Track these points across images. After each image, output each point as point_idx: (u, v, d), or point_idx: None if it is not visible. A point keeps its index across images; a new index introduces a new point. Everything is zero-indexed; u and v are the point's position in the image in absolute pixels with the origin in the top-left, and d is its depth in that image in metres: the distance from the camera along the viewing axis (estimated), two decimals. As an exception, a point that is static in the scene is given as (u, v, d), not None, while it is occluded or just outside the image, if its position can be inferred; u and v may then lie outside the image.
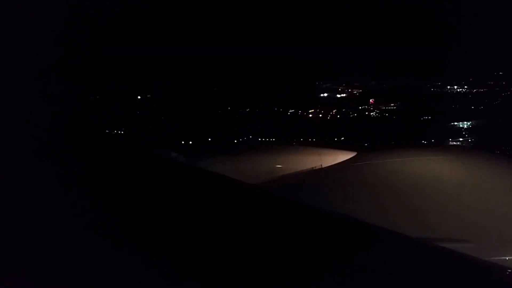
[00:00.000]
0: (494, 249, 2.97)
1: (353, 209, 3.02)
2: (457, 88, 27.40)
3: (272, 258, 1.37)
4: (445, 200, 3.56)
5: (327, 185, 4.03)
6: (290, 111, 22.47)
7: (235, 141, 13.92)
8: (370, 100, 25.85)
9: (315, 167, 4.37)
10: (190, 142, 12.68)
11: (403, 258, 1.46)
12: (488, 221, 3.29)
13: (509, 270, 1.74)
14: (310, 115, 22.62)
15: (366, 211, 3.11)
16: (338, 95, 26.90)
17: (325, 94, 26.97)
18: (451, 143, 18.70)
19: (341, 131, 19.82)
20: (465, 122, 21.21)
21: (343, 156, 4.65)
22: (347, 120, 22.14)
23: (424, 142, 17.44)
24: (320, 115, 22.83)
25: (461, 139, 19.32)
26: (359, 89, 27.62)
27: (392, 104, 25.11)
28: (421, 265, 1.42)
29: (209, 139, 14.27)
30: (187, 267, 1.33)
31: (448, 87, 27.46)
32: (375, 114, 23.39)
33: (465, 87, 27.37)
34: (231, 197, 1.95)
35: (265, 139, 15.26)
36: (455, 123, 21.33)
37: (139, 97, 20.68)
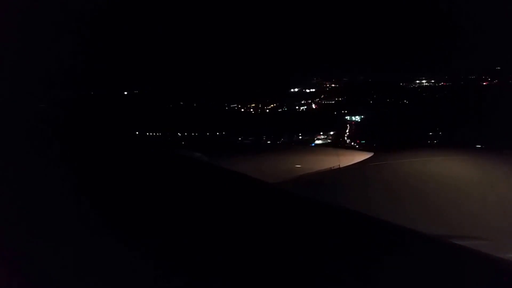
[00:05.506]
0: (508, 246, 3.04)
1: (371, 207, 3.19)
2: (425, 82, 27.27)
3: (291, 255, 1.42)
4: (461, 199, 3.67)
5: (345, 184, 4.15)
6: (231, 106, 25.61)
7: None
8: (322, 95, 28.08)
9: (333, 167, 4.48)
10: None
11: (419, 254, 1.50)
12: (502, 219, 3.38)
13: None
14: (242, 110, 26.12)
15: (384, 209, 3.28)
16: (308, 90, 29.31)
17: (296, 89, 29.66)
18: (319, 136, 21.00)
19: (249, 124, 22.96)
20: (356, 116, 22.46)
21: (361, 156, 4.81)
22: (270, 114, 24.95)
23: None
24: (252, 110, 26.20)
25: (331, 132, 21.14)
26: (336, 84, 29.56)
27: (335, 99, 26.86)
28: (436, 261, 1.45)
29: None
30: (210, 259, 1.36)
31: (417, 81, 27.46)
32: (303, 109, 25.81)
33: (432, 81, 26.99)
34: (252, 195, 2.02)
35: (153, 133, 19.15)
36: (348, 117, 22.77)
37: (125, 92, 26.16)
